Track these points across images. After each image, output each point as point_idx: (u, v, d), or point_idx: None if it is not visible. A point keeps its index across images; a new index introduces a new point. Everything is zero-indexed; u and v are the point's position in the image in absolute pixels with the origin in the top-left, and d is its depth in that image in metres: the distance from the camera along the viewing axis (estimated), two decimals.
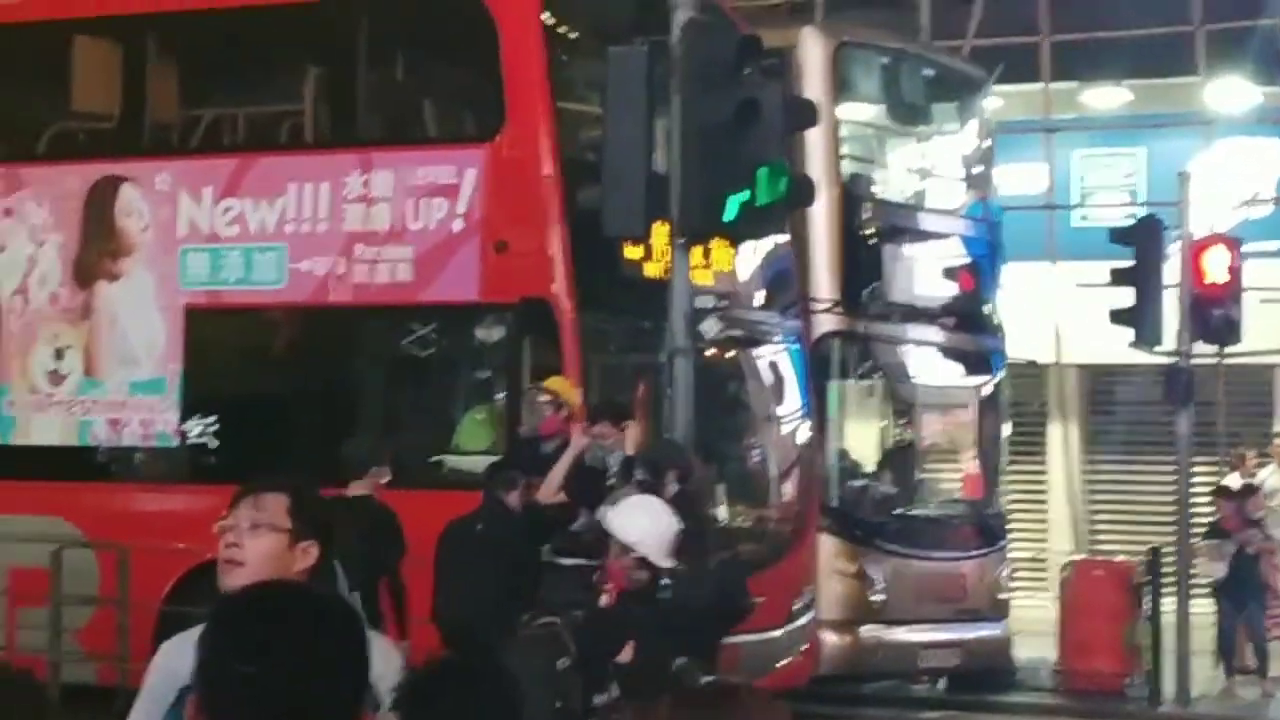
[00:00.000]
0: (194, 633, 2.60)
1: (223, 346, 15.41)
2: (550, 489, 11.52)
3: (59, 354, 15.06)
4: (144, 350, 14.80)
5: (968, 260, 16.76)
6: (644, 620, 9.17)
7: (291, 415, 14.79)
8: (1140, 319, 16.30)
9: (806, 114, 13.32)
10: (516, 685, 2.89)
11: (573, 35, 14.90)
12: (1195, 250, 16.63)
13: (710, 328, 13.07)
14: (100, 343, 14.96)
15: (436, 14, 15.46)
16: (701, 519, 11.77)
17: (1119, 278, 16.35)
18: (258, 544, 4.55)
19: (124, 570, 13.34)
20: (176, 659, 3.78)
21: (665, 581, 9.33)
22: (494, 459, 12.61)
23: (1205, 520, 18.01)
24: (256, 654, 2.09)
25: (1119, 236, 16.85)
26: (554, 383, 12.36)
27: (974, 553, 16.81)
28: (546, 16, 13.89)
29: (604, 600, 9.97)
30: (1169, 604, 16.97)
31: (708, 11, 13.63)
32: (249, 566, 4.47)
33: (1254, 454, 19.70)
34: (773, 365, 15.22)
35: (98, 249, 14.97)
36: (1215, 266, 16.75)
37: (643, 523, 9.43)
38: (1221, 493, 17.95)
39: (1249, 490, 17.87)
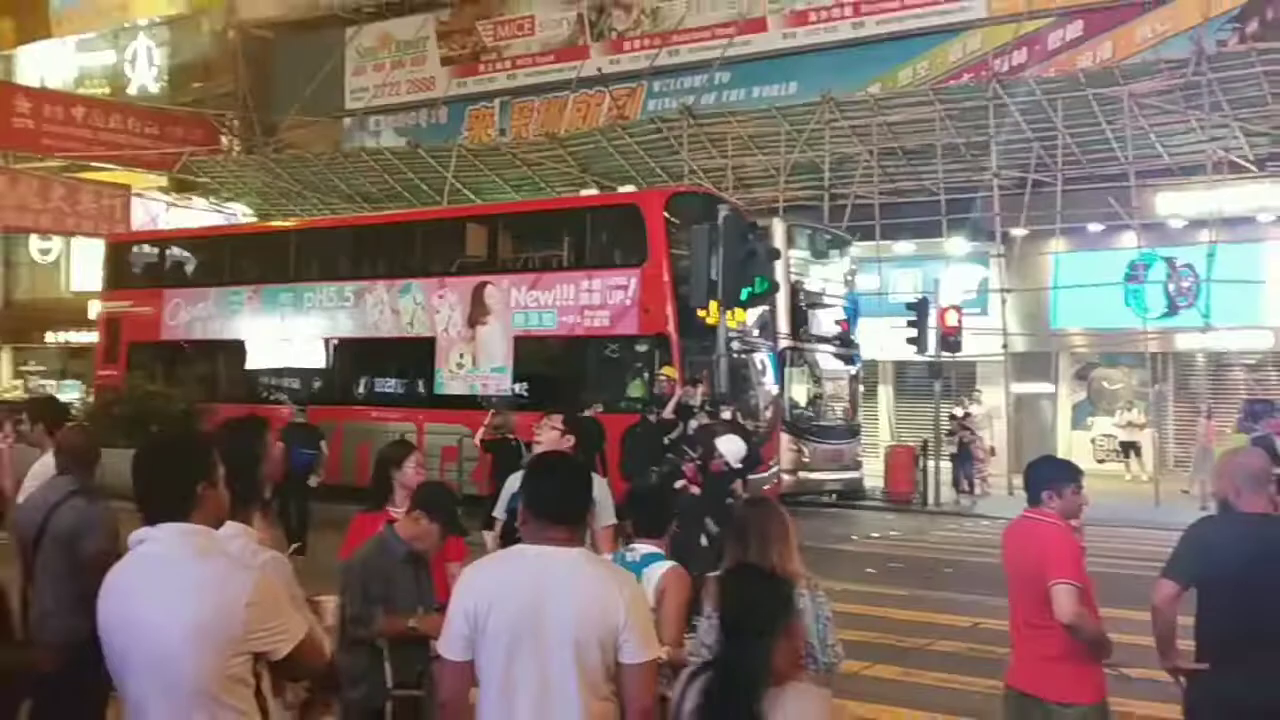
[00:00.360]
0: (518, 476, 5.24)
1: (531, 354, 20.61)
2: (667, 412, 15.93)
3: (460, 355, 21.24)
4: (498, 354, 20.89)
5: (844, 316, 22.23)
6: (717, 493, 11.80)
7: (559, 382, 19.53)
8: (919, 340, 21.77)
9: (774, 256, 18.52)
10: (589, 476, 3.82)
11: (675, 220, 19.27)
12: (941, 311, 22.02)
13: (735, 345, 17.92)
14: (479, 350, 21.07)
15: (619, 213, 20.86)
16: (743, 427, 15.11)
17: (910, 323, 21.84)
18: (548, 435, 7.31)
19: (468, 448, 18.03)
20: (513, 483, 6.62)
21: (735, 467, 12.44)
22: (647, 401, 17.41)
23: (946, 429, 23.33)
24: (548, 479, 3.60)
25: (910, 306, 22.10)
26: (668, 369, 17.60)
27: (847, 441, 22.17)
28: (666, 214, 19.40)
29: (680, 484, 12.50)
30: (932, 465, 22.16)
31: (734, 211, 18.94)
32: (543, 445, 7.24)
33: (969, 400, 24.12)
34: (762, 361, 19.99)
35: (476, 311, 21.11)
36: (949, 318, 21.98)
37: (731, 447, 12.44)
38: (955, 417, 23.30)
39: (966, 415, 23.30)
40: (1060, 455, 6.04)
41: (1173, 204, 23.42)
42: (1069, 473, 5.11)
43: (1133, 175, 22.47)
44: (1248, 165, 22.76)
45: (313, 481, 15.85)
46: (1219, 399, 23.87)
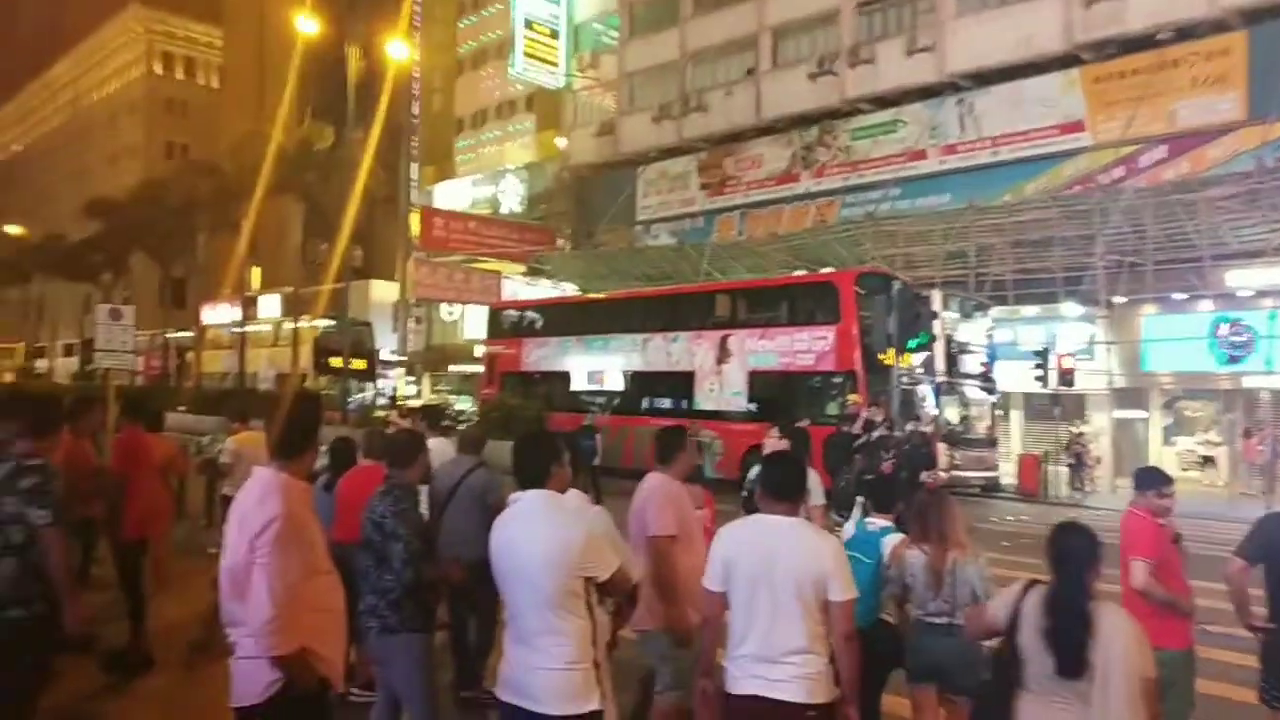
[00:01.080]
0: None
1: (759, 383, 20.13)
2: (855, 428, 13.73)
3: (711, 384, 20.75)
4: (738, 384, 20.53)
5: (985, 360, 20.63)
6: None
7: (782, 403, 18.39)
8: (1043, 377, 20.43)
9: (933, 317, 18.03)
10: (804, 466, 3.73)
11: (861, 291, 18.56)
12: (1059, 357, 20.55)
13: (905, 380, 17.59)
14: (724, 381, 20.79)
15: (821, 288, 20.21)
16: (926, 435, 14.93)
17: (1036, 365, 20.54)
18: (771, 441, 7.02)
19: (719, 447, 19.60)
20: (753, 472, 5.86)
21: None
22: (840, 417, 15.85)
23: (1064, 443, 21.79)
24: (776, 470, 3.43)
25: (1036, 353, 20.62)
26: (854, 396, 16.69)
27: (987, 450, 20.34)
28: (855, 287, 18.73)
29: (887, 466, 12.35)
30: (1053, 469, 21.24)
31: (904, 285, 18.51)
32: (767, 446, 6.79)
33: (1080, 422, 22.47)
34: (924, 392, 18.70)
35: (721, 354, 20.80)
36: (1066, 362, 20.48)
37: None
38: (1071, 434, 21.71)
39: (1080, 434, 21.36)
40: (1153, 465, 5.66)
41: (1240, 279, 21.50)
42: (1155, 479, 4.75)
43: (1207, 257, 21.18)
44: None
45: (595, 461, 16.72)
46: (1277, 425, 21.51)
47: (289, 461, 3.42)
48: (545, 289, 35.89)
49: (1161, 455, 22.44)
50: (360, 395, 33.56)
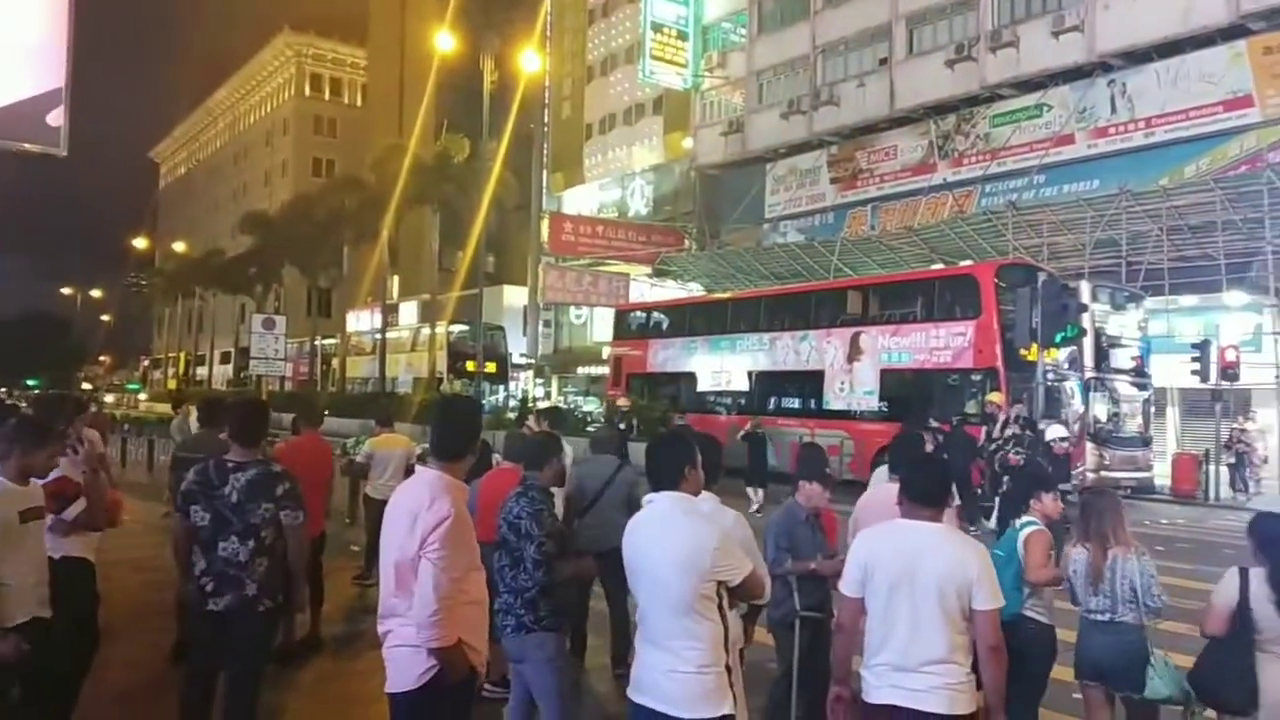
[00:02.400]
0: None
1: (896, 381, 19.43)
2: (997, 430, 14.06)
3: (841, 383, 20.46)
4: (869, 382, 20.13)
5: (1138, 354, 19.34)
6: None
7: (910, 402, 17.79)
8: (1203, 371, 18.95)
9: (1082, 309, 17.07)
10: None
11: (1003, 284, 18.02)
12: (1222, 350, 19.18)
13: (1050, 376, 16.73)
14: (855, 380, 20.41)
15: (960, 281, 19.60)
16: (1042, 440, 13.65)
17: (1194, 358, 19.09)
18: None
19: (849, 447, 18.97)
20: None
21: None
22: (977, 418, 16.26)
23: (1225, 440, 20.34)
24: (921, 475, 3.46)
25: (1195, 345, 19.31)
26: (994, 395, 16.23)
27: (1140, 449, 19.05)
28: (996, 280, 18.19)
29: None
30: (1213, 469, 19.82)
31: (1051, 277, 17.95)
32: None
33: (1243, 418, 20.88)
34: (1071, 388, 17.63)
35: (853, 352, 20.34)
36: (1229, 355, 19.19)
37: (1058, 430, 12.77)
38: (1235, 429, 20.33)
39: (1244, 431, 20.21)
40: None
41: None
42: None
43: None
44: None
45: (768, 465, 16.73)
46: None
47: (450, 463, 3.59)
48: (672, 290, 36.03)
49: None
50: (493, 397, 34.40)
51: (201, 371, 72.11)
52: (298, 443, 7.25)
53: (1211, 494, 19.26)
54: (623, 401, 20.38)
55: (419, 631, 3.30)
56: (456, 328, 39.47)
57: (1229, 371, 19.18)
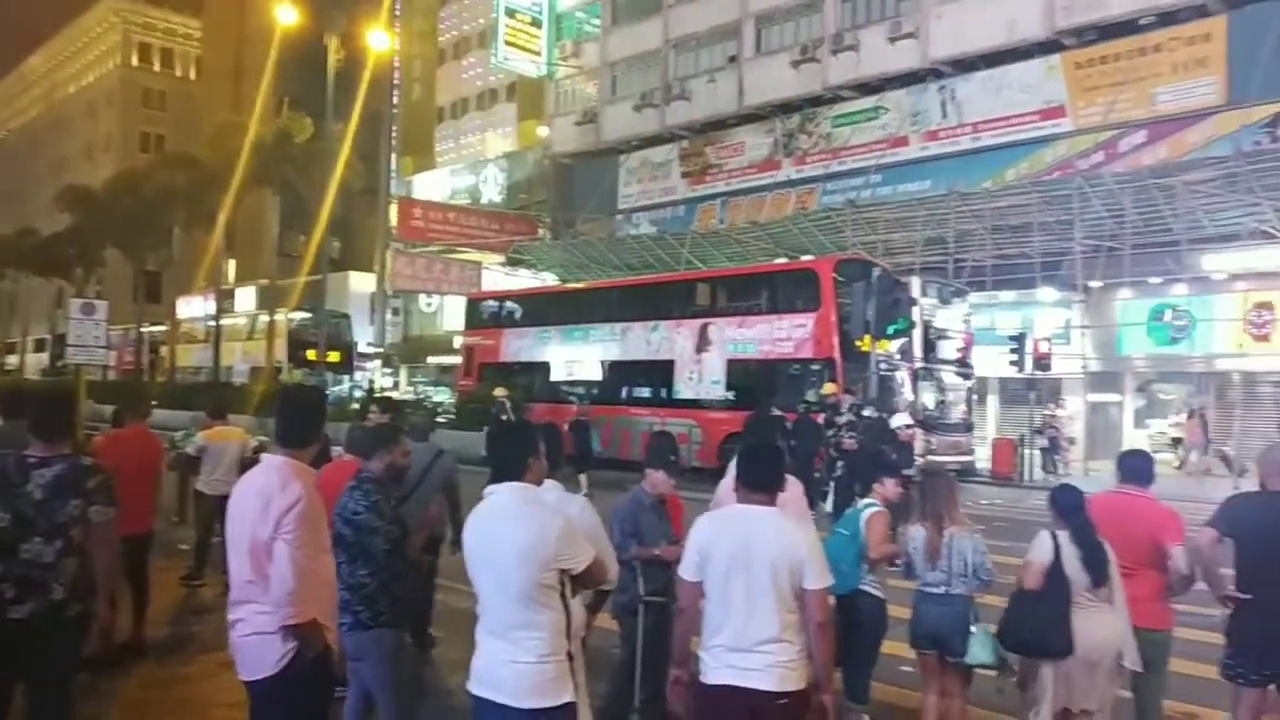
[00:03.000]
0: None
1: (741, 371, 19.81)
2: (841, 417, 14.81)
3: (691, 372, 20.60)
4: (717, 372, 20.25)
5: (963, 346, 20.27)
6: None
7: (751, 392, 18.47)
8: (1019, 362, 20.26)
9: (911, 303, 17.79)
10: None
11: (841, 278, 18.32)
12: (1035, 341, 20.25)
13: (883, 366, 17.31)
14: (703, 369, 20.55)
15: (801, 275, 19.96)
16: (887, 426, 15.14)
17: (1012, 350, 20.22)
18: None
19: (697, 435, 20.26)
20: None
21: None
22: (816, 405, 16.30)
23: (1037, 427, 22.95)
24: (756, 463, 3.48)
25: (1013, 338, 20.39)
26: (828, 387, 16.51)
27: (963, 434, 20.23)
28: (834, 274, 18.58)
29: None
30: (1028, 452, 22.49)
31: (884, 272, 18.53)
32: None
33: (1055, 405, 22.68)
34: (902, 377, 18.43)
35: (701, 342, 20.52)
36: (1042, 346, 20.24)
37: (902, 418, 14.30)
38: (1044, 416, 21.84)
39: (1054, 416, 21.98)
40: (1124, 448, 5.82)
41: (1216, 263, 21.45)
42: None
43: (1184, 241, 21.31)
44: (1274, 233, 20.76)
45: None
46: (1249, 408, 21.76)
47: (296, 450, 3.62)
48: (525, 279, 35.72)
49: (1134, 439, 22.56)
50: (337, 388, 33.25)
51: (12, 360, 66.55)
52: (122, 435, 6.91)
53: (1026, 475, 20.28)
54: (500, 391, 19.96)
55: (276, 610, 3.30)
56: (298, 315, 37.86)
57: (1042, 362, 20.35)
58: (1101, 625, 4.28)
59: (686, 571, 3.44)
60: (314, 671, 3.42)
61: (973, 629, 4.68)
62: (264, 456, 3.69)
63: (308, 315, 36.08)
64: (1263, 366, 20.88)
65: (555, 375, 24.79)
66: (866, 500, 5.17)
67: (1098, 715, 4.30)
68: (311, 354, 30.01)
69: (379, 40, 33.99)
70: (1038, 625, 4.31)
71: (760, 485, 3.42)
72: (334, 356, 30.60)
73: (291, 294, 38.59)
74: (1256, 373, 21.46)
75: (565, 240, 35.23)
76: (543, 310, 26.37)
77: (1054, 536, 4.37)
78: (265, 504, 3.41)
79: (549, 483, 3.79)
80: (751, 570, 3.24)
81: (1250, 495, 4.54)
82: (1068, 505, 4.41)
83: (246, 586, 3.41)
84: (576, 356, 24.38)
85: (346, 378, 35.67)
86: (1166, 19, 23.75)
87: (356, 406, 22.70)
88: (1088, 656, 4.21)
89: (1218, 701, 4.86)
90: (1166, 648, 4.70)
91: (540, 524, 3.15)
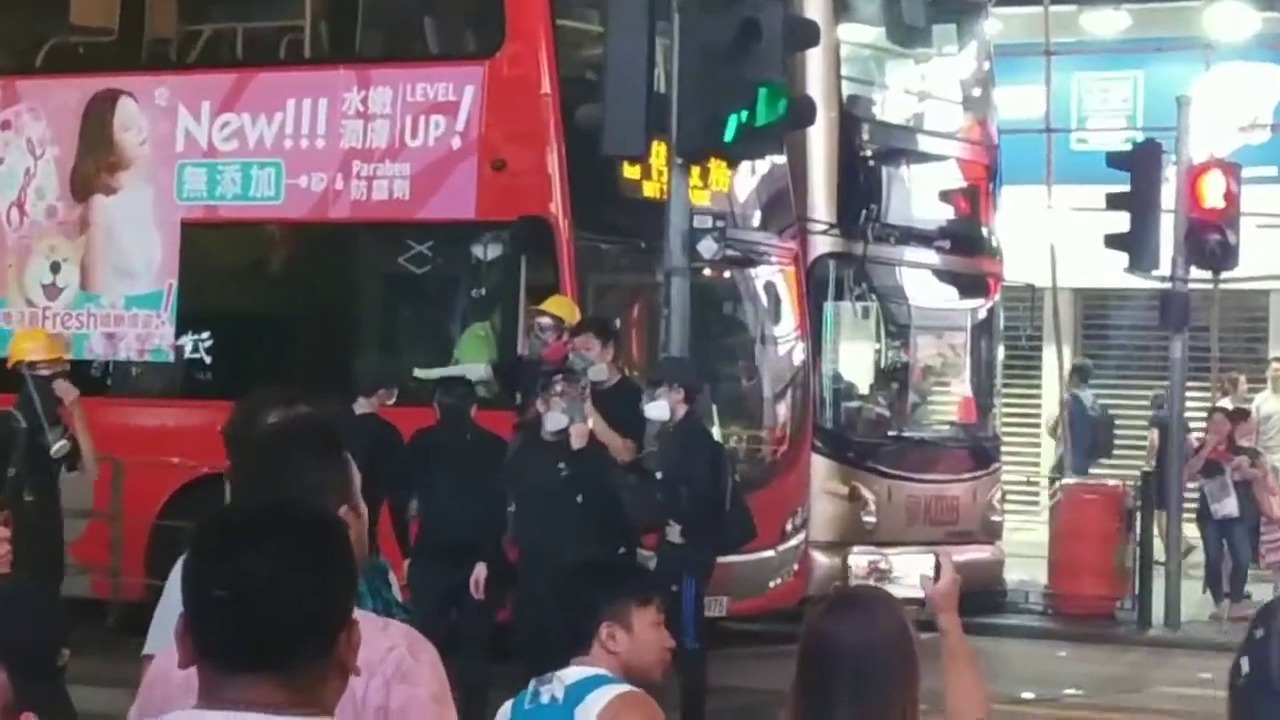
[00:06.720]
0: None
1: (220, 262, 9.09)
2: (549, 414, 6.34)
3: (55, 267, 8.89)
4: (141, 265, 8.77)
5: (965, 184, 10.04)
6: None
7: (289, 332, 8.74)
8: (1136, 244, 9.64)
9: (807, 34, 7.61)
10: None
11: None
12: (1192, 175, 9.85)
13: (707, 248, 7.48)
14: (97, 256, 8.82)
15: None
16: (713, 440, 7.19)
17: (1115, 202, 9.72)
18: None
19: (118, 484, 7.94)
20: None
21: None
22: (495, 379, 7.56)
23: (1197, 446, 10.17)
24: (230, 578, 1.37)
25: (1116, 161, 10.00)
26: (554, 304, 7.38)
27: (966, 476, 9.91)
28: None
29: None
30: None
31: None
32: None
33: (1245, 379, 11.69)
34: (769, 286, 8.95)
35: (95, 162, 8.75)
36: (1212, 192, 9.85)
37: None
38: (1218, 413, 10.32)
39: (1241, 414, 10.44)
40: None
41: None
42: None
43: None
44: None
45: None
46: None
47: None
48: None
49: None
50: None
51: None
52: None
53: None
54: None
55: None
56: None
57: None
58: None
59: None
60: None
61: None
62: None
63: None
64: None
65: None
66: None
67: None
68: None
69: None
70: None
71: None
72: None
73: None
74: None
75: None
76: None
77: None
78: None
79: None
80: None
81: None
82: None
83: None
84: None
85: None
86: None
87: None
88: None
89: None
90: None
91: None
